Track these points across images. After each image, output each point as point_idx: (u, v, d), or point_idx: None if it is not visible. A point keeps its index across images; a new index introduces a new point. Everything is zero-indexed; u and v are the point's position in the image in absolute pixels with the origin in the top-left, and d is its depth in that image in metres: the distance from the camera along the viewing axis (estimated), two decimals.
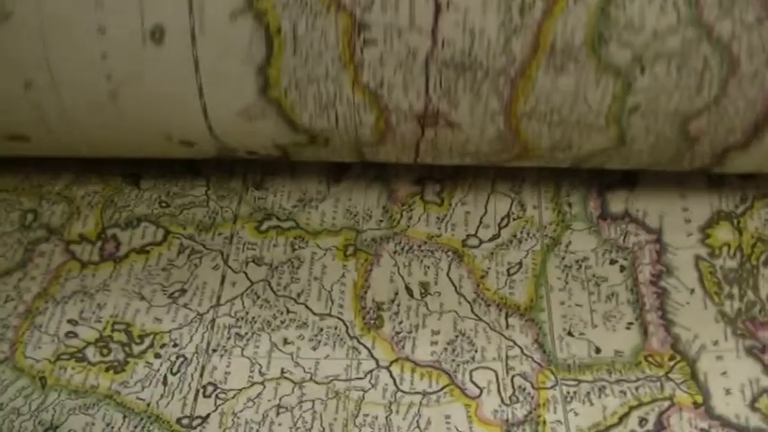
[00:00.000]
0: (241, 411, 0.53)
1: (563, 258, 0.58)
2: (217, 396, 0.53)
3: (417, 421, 0.52)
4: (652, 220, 0.59)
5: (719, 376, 0.54)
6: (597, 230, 0.59)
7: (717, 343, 0.54)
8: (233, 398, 0.53)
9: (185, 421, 0.52)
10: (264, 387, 0.54)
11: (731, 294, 0.56)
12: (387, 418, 0.52)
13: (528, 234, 0.59)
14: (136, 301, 0.57)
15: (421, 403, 0.53)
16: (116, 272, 0.58)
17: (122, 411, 0.53)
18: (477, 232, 0.59)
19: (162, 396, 0.53)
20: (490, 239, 0.59)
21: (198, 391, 0.53)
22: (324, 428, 0.52)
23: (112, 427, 0.52)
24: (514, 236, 0.59)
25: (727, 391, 0.53)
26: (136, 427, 0.53)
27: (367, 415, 0.53)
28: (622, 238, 0.59)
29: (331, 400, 0.53)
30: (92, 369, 0.55)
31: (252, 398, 0.53)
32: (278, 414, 0.53)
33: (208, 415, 0.53)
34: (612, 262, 0.57)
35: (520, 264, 0.57)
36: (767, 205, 0.60)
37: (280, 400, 0.53)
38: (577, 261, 0.58)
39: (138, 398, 0.54)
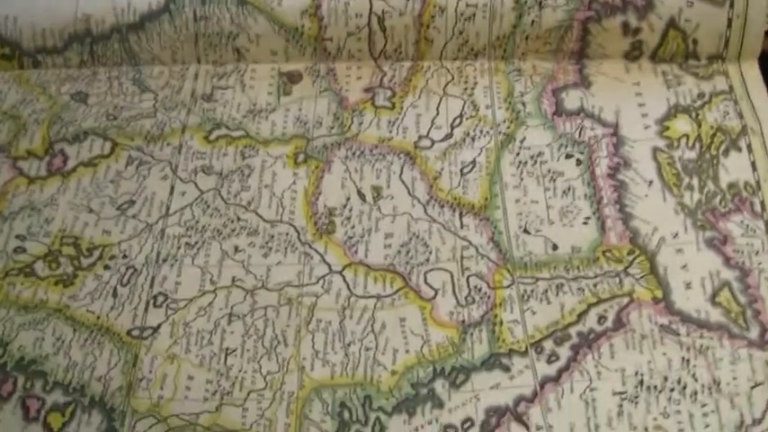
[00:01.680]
0: (192, 321, 0.52)
1: (517, 155, 0.56)
2: (167, 306, 0.52)
3: (372, 325, 0.51)
4: (608, 115, 0.58)
5: (680, 270, 0.53)
6: (552, 126, 0.58)
7: (677, 235, 0.54)
8: (184, 308, 0.52)
9: (136, 332, 0.52)
10: (216, 296, 0.53)
11: (690, 185, 0.55)
12: (340, 323, 0.52)
13: (481, 132, 0.58)
14: (84, 215, 0.56)
15: (375, 307, 0.52)
16: (64, 186, 0.57)
17: (72, 325, 0.52)
18: (429, 133, 0.58)
19: (112, 308, 0.53)
20: (443, 140, 0.58)
21: (148, 301, 0.52)
22: (276, 335, 0.51)
23: (63, 341, 0.52)
24: (467, 134, 0.58)
25: (688, 286, 0.53)
26: (86, 340, 0.52)
27: (320, 320, 0.52)
28: (578, 132, 0.57)
29: (283, 306, 0.52)
30: (41, 284, 0.54)
31: (203, 307, 0.52)
32: (230, 322, 0.52)
33: (159, 325, 0.52)
34: (568, 156, 0.56)
35: (473, 162, 0.56)
36: (725, 99, 0.59)
37: (231, 308, 0.52)
38: (532, 157, 0.57)
39: (87, 310, 0.53)
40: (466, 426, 0.49)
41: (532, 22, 0.60)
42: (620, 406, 0.49)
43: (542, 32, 0.60)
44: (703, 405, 0.49)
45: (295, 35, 0.61)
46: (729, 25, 0.60)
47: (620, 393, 0.49)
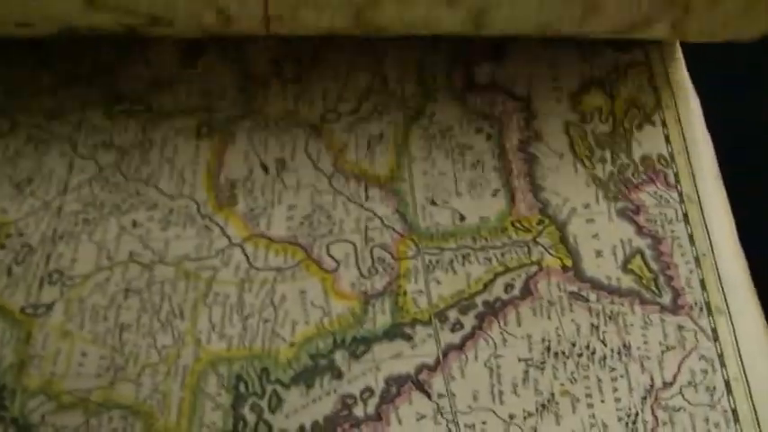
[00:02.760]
0: (88, 297, 0.50)
1: (426, 129, 0.55)
2: (62, 283, 0.50)
3: (271, 298, 0.50)
4: (520, 89, 0.57)
5: (590, 239, 0.52)
6: (462, 101, 0.57)
7: (588, 206, 0.52)
8: (79, 284, 0.50)
9: (29, 310, 0.49)
10: (112, 272, 0.51)
11: (603, 158, 0.54)
12: (239, 296, 0.50)
13: (389, 106, 0.56)
14: None
15: (275, 280, 0.51)
16: None
17: None
18: (336, 107, 0.56)
19: (6, 286, 0.51)
20: (350, 113, 0.56)
21: (42, 278, 0.50)
22: (173, 309, 0.49)
23: None
24: (375, 109, 0.56)
25: (599, 254, 0.52)
26: None
27: (218, 294, 0.50)
28: (489, 106, 0.56)
29: (180, 280, 0.50)
30: None
31: (99, 283, 0.50)
32: (126, 298, 0.50)
33: (53, 303, 0.50)
34: (478, 130, 0.55)
35: (381, 135, 0.55)
36: (641, 72, 0.58)
37: (128, 283, 0.50)
38: (441, 131, 0.55)
39: None
40: (365, 395, 0.47)
41: None
42: (526, 372, 0.48)
43: None
44: (612, 369, 0.48)
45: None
46: None
47: (526, 360, 0.48)
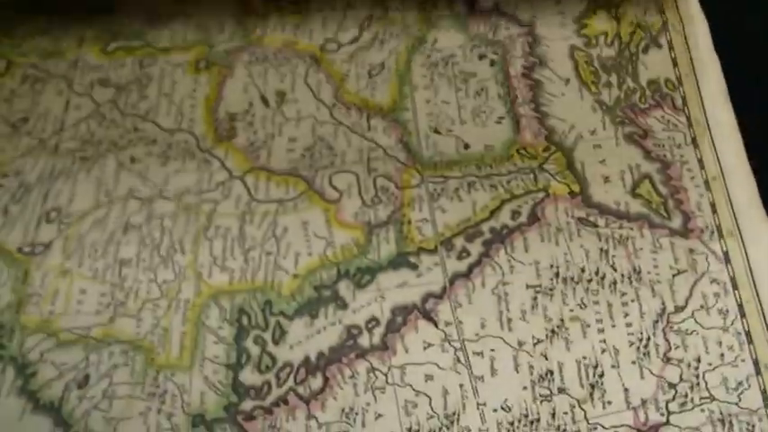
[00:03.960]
0: (86, 234, 0.49)
1: (428, 56, 0.54)
2: (60, 221, 0.49)
3: (273, 230, 0.49)
4: (524, 14, 0.56)
5: (597, 164, 0.51)
6: (465, 27, 0.55)
7: (594, 132, 0.51)
8: (77, 221, 0.49)
9: (27, 249, 0.48)
10: (111, 208, 0.50)
11: (609, 83, 0.53)
12: (240, 228, 0.49)
13: (390, 34, 0.55)
14: None
15: (277, 211, 0.50)
16: None
17: None
18: (336, 36, 0.55)
19: (3, 226, 0.50)
20: (350, 42, 0.55)
21: (40, 217, 0.49)
22: (173, 243, 0.48)
23: None
24: (376, 37, 0.55)
25: (606, 179, 0.51)
26: None
27: (219, 227, 0.49)
28: (492, 32, 0.55)
29: (181, 214, 0.49)
30: None
31: (98, 219, 0.49)
32: (125, 233, 0.49)
33: (50, 241, 0.50)
34: (482, 57, 0.54)
35: (382, 65, 0.54)
36: None
37: (128, 218, 0.49)
38: (444, 58, 0.54)
39: None
40: (370, 325, 0.46)
41: None
42: (535, 299, 0.47)
43: None
44: (623, 294, 0.48)
45: None
46: None
47: (535, 286, 0.48)
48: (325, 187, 0.50)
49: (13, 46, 0.56)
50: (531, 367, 0.46)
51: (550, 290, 0.48)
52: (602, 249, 0.48)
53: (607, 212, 0.49)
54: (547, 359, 0.45)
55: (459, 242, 0.49)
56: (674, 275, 0.48)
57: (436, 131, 0.51)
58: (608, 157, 0.51)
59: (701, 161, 0.50)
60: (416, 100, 0.52)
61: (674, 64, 0.53)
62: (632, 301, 0.47)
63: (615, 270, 0.48)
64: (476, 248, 0.49)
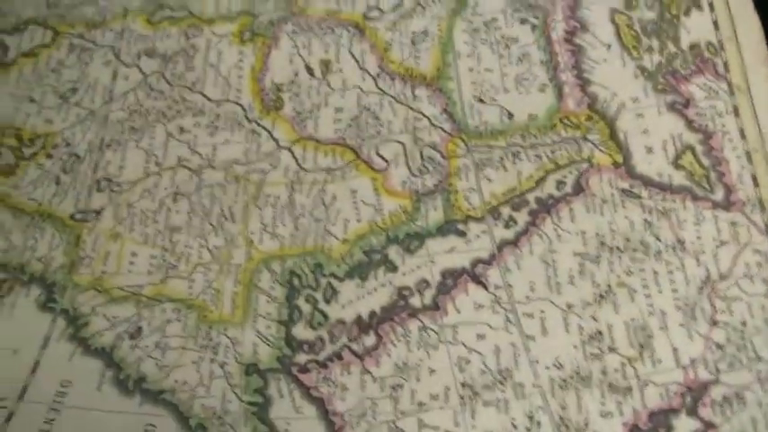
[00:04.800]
0: (137, 202, 0.50)
1: (470, 22, 0.55)
2: (111, 190, 0.51)
3: (322, 198, 0.50)
4: None
5: (640, 134, 0.51)
6: None
7: (637, 100, 0.52)
8: (128, 190, 0.50)
9: (79, 216, 0.49)
10: (161, 177, 0.51)
11: (650, 48, 0.53)
12: (289, 197, 0.50)
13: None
14: (26, 105, 0.54)
15: (325, 180, 0.51)
16: (4, 77, 0.55)
17: (12, 212, 0.51)
18: (378, 3, 0.55)
19: (54, 195, 0.51)
20: (393, 9, 0.55)
21: (91, 186, 0.50)
22: (223, 212, 0.49)
23: (2, 227, 0.50)
24: (418, 3, 0.55)
25: (649, 150, 0.51)
26: (27, 226, 0.51)
27: (269, 196, 0.51)
28: None
29: (230, 184, 0.50)
30: None
31: (148, 188, 0.51)
32: (175, 201, 0.50)
33: (102, 208, 0.51)
34: (523, 21, 0.54)
35: (425, 32, 0.54)
36: None
37: (177, 187, 0.50)
38: (485, 23, 0.55)
39: (29, 198, 0.51)
40: (421, 287, 0.48)
41: None
42: (582, 265, 0.48)
43: None
44: (668, 263, 0.48)
45: None
46: None
47: (582, 254, 0.49)
48: (372, 156, 0.51)
49: (59, 16, 0.56)
50: (581, 328, 0.47)
51: (597, 258, 0.48)
52: (646, 220, 0.49)
53: (650, 184, 0.50)
54: (596, 321, 0.46)
55: (505, 211, 0.50)
56: (717, 246, 0.49)
57: (480, 100, 0.52)
58: (650, 126, 0.51)
59: (741, 131, 0.51)
60: (459, 68, 0.53)
61: (716, 26, 0.53)
62: (677, 269, 0.48)
63: (659, 240, 0.49)
64: (522, 217, 0.50)
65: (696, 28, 0.54)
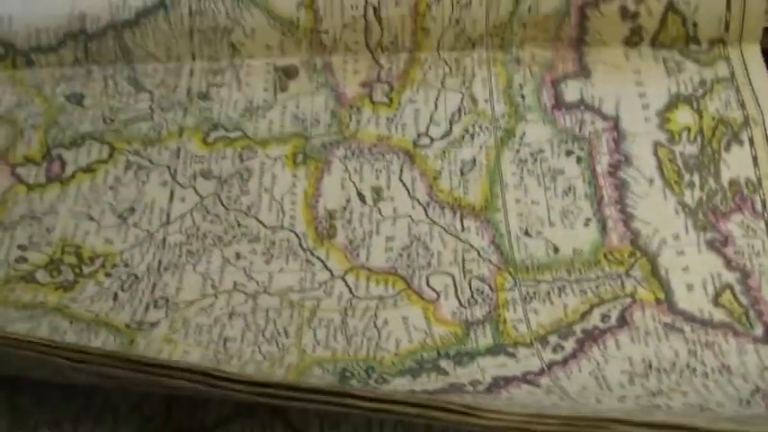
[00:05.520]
0: (193, 317, 0.52)
1: (518, 152, 0.56)
2: (168, 307, 0.53)
3: (374, 322, 0.52)
4: (608, 107, 0.58)
5: (681, 272, 0.53)
6: (552, 120, 0.58)
7: (677, 237, 0.54)
8: (184, 308, 0.52)
9: (134, 325, 0.52)
10: (217, 299, 0.53)
11: (692, 183, 0.55)
12: (342, 320, 0.52)
13: (480, 128, 0.57)
14: (85, 223, 0.56)
15: (377, 307, 0.53)
16: (63, 193, 0.57)
17: (69, 319, 0.52)
18: (428, 131, 0.57)
19: (111, 308, 0.53)
20: (442, 137, 0.57)
21: (149, 303, 0.53)
22: (278, 330, 0.52)
23: (57, 330, 0.51)
24: (467, 131, 0.57)
25: (690, 287, 0.53)
26: (82, 330, 0.52)
27: (322, 319, 0.52)
28: (578, 126, 0.57)
29: (285, 309, 0.53)
30: (41, 289, 0.54)
31: (204, 307, 0.53)
32: (230, 318, 0.52)
33: (158, 321, 0.52)
34: (569, 153, 0.56)
35: (473, 161, 0.56)
36: (727, 87, 0.58)
37: (232, 308, 0.53)
38: (532, 154, 0.56)
39: (87, 310, 0.53)
40: (474, 384, 0.49)
41: (529, 8, 0.59)
42: (631, 379, 0.49)
43: (540, 19, 0.60)
44: (715, 381, 0.49)
45: (290, 28, 0.60)
46: (728, 7, 0.59)
47: (630, 372, 0.50)
48: (422, 287, 0.53)
49: (116, 131, 0.58)
50: None
51: (645, 376, 0.50)
52: (690, 350, 0.50)
53: (692, 320, 0.51)
54: None
55: (553, 339, 0.51)
56: (762, 370, 0.50)
57: (527, 233, 0.54)
58: (691, 264, 0.53)
59: None
60: (507, 199, 0.55)
61: (755, 163, 0.55)
62: (725, 385, 0.49)
63: (705, 365, 0.50)
64: (570, 345, 0.51)
65: (736, 164, 0.56)
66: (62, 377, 0.45)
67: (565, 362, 0.51)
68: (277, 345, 0.51)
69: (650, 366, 0.50)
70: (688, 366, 0.50)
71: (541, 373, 0.50)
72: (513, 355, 0.51)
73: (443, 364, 0.50)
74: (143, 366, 0.41)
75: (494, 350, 0.51)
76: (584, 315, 0.52)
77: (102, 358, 0.41)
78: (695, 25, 0.59)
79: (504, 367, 0.50)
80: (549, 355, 0.51)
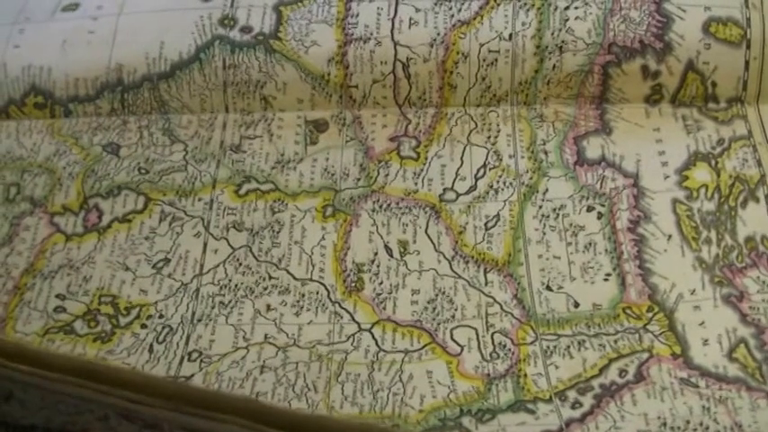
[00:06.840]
0: (225, 371, 0.54)
1: (540, 207, 0.58)
2: (201, 360, 0.54)
3: (399, 376, 0.53)
4: (629, 164, 0.59)
5: (697, 327, 0.55)
6: (574, 177, 0.59)
7: (694, 292, 0.55)
8: (217, 361, 0.54)
9: (169, 378, 0.53)
10: (248, 351, 0.55)
11: (708, 239, 0.56)
12: (369, 374, 0.54)
13: (504, 184, 0.59)
14: (121, 273, 0.58)
15: (403, 361, 0.54)
16: (100, 243, 0.59)
17: None
18: (453, 185, 0.59)
19: (147, 361, 0.55)
20: (467, 192, 0.59)
21: (183, 357, 0.54)
22: (307, 385, 0.53)
23: None
24: (491, 186, 0.59)
25: (705, 342, 0.54)
26: None
27: (349, 373, 0.54)
28: (599, 183, 0.59)
29: (314, 362, 0.54)
30: (79, 340, 0.56)
31: (236, 360, 0.54)
32: (261, 372, 0.54)
33: (192, 375, 0.54)
34: (590, 209, 0.58)
35: (497, 216, 0.58)
36: (744, 145, 0.59)
37: (263, 362, 0.54)
38: (554, 209, 0.58)
39: (123, 363, 0.54)
40: None
41: (554, 66, 0.61)
42: None
43: (563, 77, 0.61)
44: None
45: (321, 83, 0.62)
46: (747, 67, 0.60)
47: (645, 431, 0.51)
48: (447, 341, 0.55)
49: (150, 182, 0.60)
50: None
51: None
52: (704, 407, 0.51)
53: (707, 375, 0.53)
54: None
55: (572, 394, 0.53)
56: None
57: (548, 288, 0.55)
58: (706, 319, 0.54)
59: None
60: (530, 254, 0.56)
61: None
62: None
63: (718, 423, 0.51)
64: (587, 401, 0.52)
65: (752, 220, 0.57)
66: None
67: (582, 419, 0.52)
68: (306, 401, 0.53)
69: (665, 425, 0.51)
70: (701, 425, 0.51)
71: (560, 431, 0.51)
72: (532, 412, 0.52)
73: (466, 421, 0.52)
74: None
75: (514, 406, 0.52)
76: (603, 370, 0.53)
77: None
78: (714, 84, 0.61)
79: (524, 425, 0.51)
80: (567, 412, 0.52)
